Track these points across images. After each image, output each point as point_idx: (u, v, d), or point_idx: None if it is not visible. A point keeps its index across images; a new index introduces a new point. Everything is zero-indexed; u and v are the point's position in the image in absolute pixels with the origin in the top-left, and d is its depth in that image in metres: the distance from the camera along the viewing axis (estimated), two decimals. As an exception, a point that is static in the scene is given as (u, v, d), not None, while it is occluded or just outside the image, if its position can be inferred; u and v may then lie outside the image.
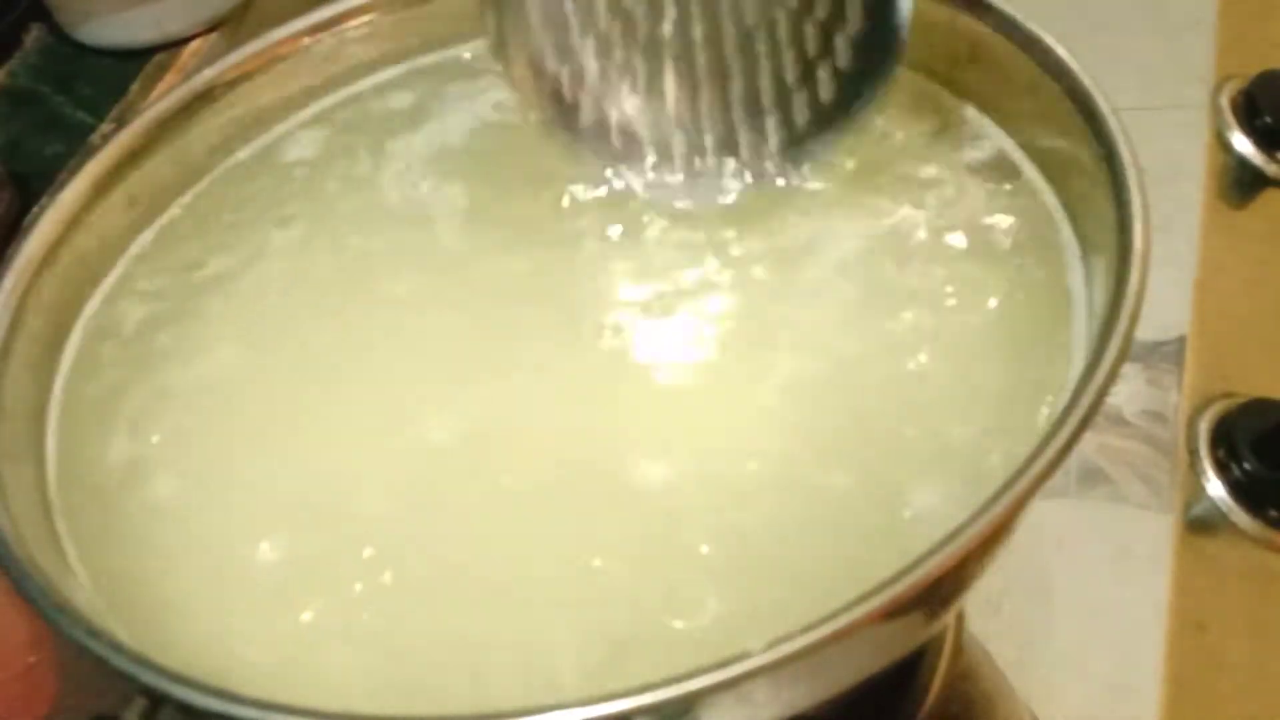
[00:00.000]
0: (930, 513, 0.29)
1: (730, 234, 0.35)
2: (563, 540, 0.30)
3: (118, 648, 0.26)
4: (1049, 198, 0.35)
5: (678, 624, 0.28)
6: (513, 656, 0.28)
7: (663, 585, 0.29)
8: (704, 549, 0.29)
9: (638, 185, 0.36)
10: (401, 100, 0.42)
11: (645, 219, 0.36)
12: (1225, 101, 0.55)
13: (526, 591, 0.29)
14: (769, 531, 0.29)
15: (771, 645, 0.23)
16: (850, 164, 0.37)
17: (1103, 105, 0.32)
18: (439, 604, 0.29)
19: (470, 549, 0.30)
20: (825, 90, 0.34)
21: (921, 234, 0.35)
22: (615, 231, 0.36)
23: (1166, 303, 0.48)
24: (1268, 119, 0.54)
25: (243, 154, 0.40)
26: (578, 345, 0.34)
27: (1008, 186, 0.36)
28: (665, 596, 0.29)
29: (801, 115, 0.34)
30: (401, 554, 0.30)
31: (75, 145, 0.59)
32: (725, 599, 0.28)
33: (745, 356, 0.33)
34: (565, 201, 0.37)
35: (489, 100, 0.41)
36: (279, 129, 0.41)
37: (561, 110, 0.35)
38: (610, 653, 0.28)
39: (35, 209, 0.36)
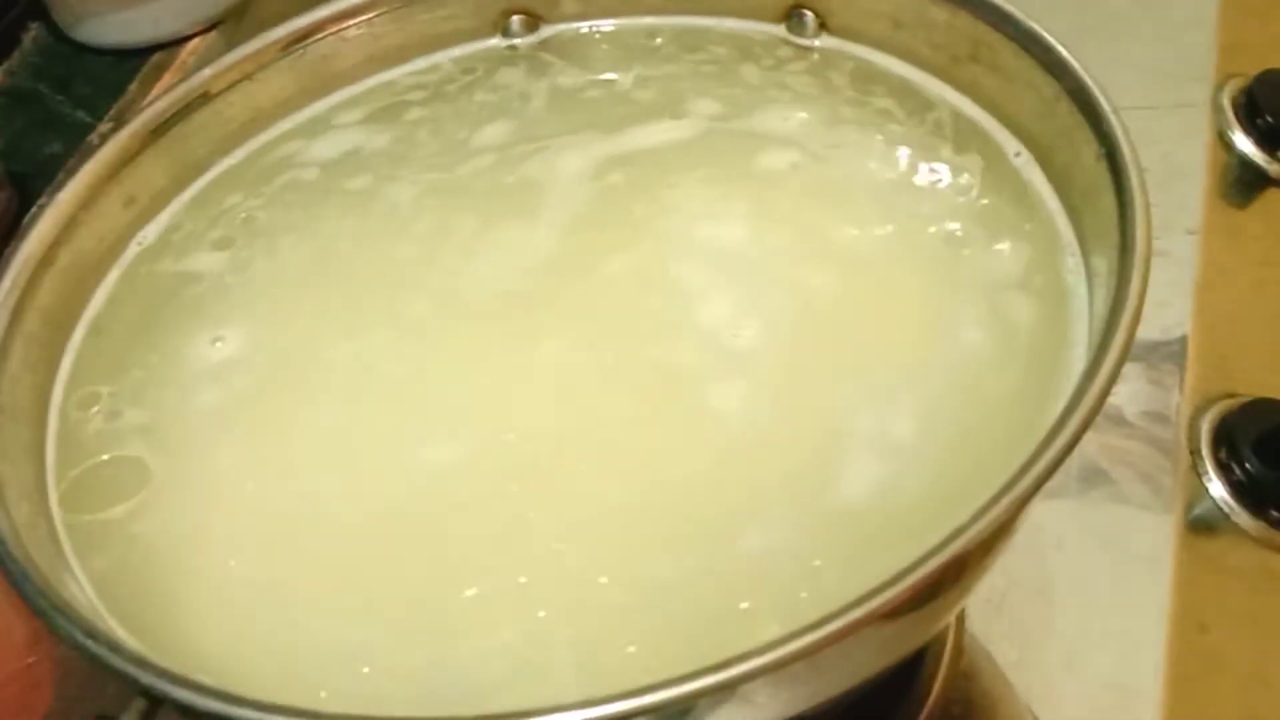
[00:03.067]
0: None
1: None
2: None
3: (116, 648, 0.26)
4: (1050, 197, 0.35)
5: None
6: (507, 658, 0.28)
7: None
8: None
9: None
10: (401, 101, 0.42)
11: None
12: (1227, 101, 0.55)
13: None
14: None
15: (772, 645, 0.23)
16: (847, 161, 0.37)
17: (1104, 104, 0.32)
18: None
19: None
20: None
21: (919, 233, 0.35)
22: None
23: (1168, 303, 0.47)
24: (1269, 118, 0.53)
25: (241, 154, 0.40)
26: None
27: (1007, 186, 0.36)
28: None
29: None
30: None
31: (74, 145, 0.58)
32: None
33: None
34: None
35: (490, 100, 0.41)
36: (278, 129, 0.41)
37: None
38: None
39: (34, 208, 0.36)
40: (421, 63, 0.42)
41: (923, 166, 0.37)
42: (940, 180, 0.36)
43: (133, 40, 0.63)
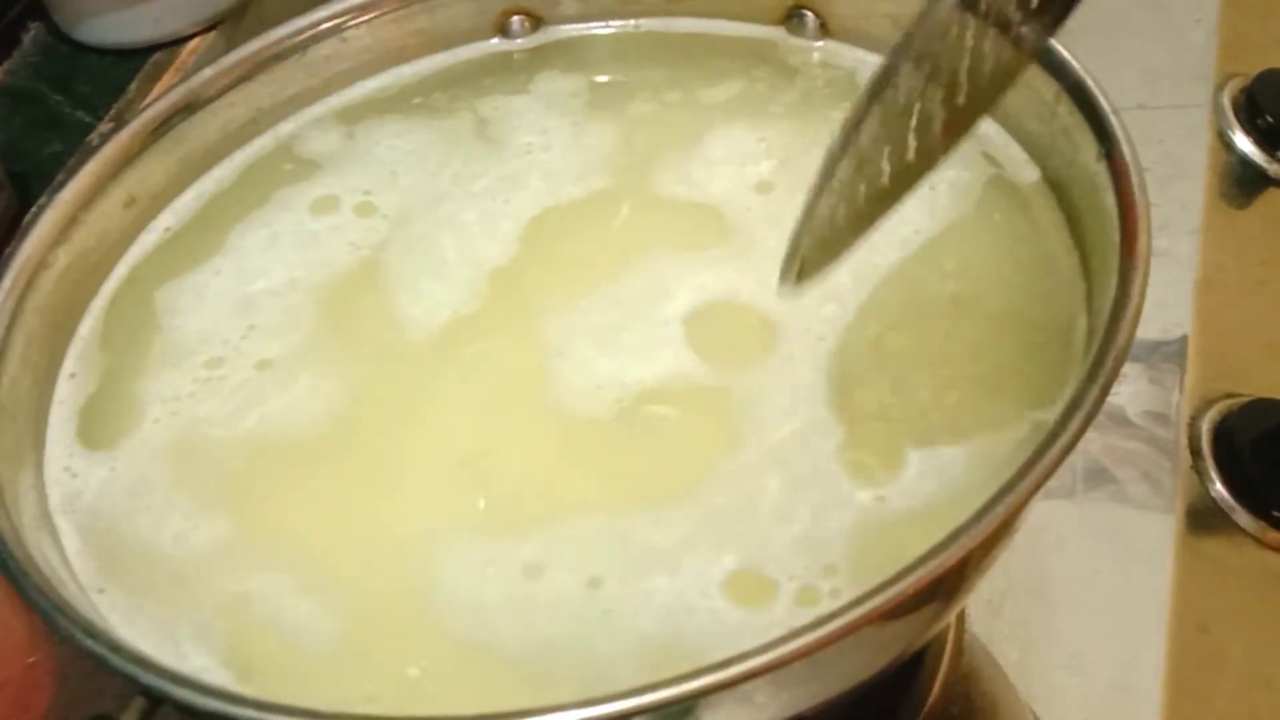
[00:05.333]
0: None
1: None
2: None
3: (116, 648, 0.26)
4: (1049, 198, 0.35)
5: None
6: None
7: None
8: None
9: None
10: (399, 100, 0.42)
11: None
12: (1227, 101, 0.55)
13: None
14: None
15: (772, 645, 0.23)
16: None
17: (1104, 104, 0.32)
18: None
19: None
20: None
21: (919, 232, 0.35)
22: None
23: (1168, 303, 0.48)
24: (1269, 118, 0.53)
25: (241, 155, 0.40)
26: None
27: (1007, 186, 0.36)
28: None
29: None
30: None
31: (74, 145, 0.58)
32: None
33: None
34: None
35: (488, 100, 0.41)
36: (278, 130, 0.41)
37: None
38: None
39: (34, 208, 0.36)
40: (422, 63, 0.42)
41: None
42: (936, 181, 0.36)
43: (133, 40, 0.63)
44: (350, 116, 0.41)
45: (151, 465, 0.33)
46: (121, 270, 0.38)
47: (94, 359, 0.36)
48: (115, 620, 0.30)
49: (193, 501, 0.32)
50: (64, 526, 0.32)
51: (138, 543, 0.32)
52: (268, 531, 0.32)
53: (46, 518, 0.32)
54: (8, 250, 0.34)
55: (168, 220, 0.39)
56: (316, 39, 0.40)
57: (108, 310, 0.37)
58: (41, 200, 0.36)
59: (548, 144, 0.40)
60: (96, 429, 0.34)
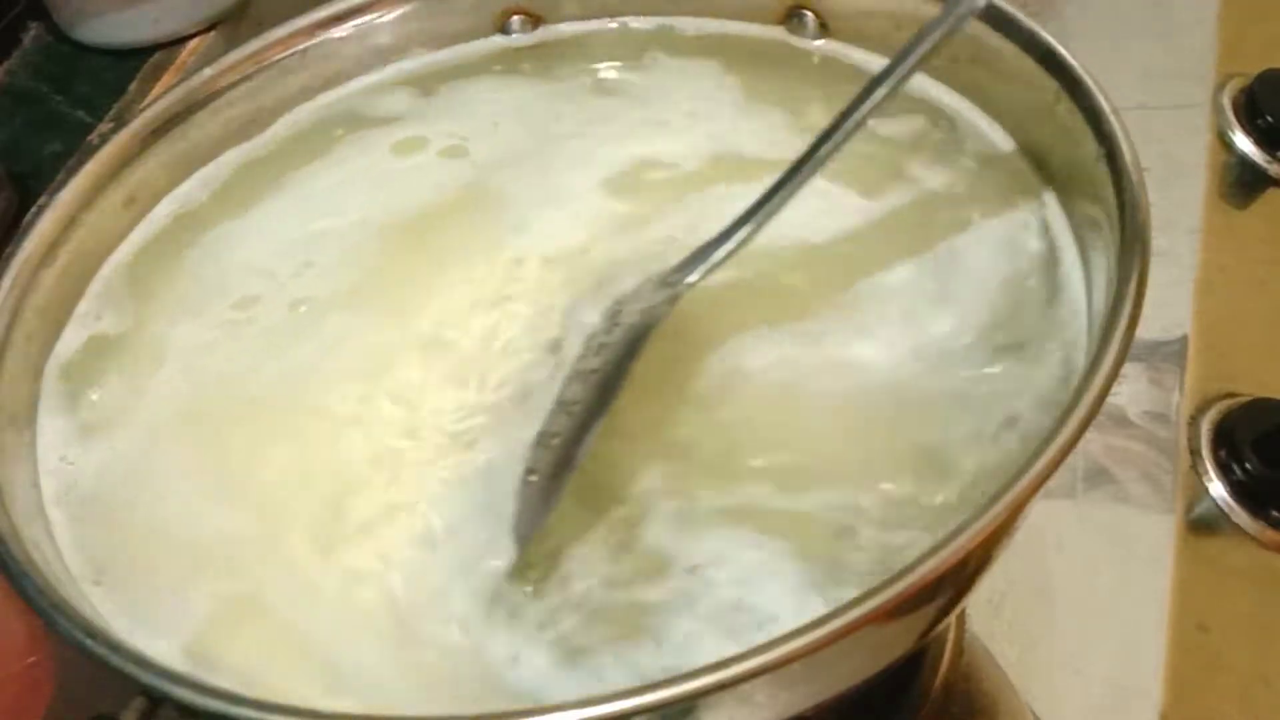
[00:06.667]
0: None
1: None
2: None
3: (116, 648, 0.26)
4: (1048, 197, 0.35)
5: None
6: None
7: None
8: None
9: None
10: (398, 99, 0.42)
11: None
12: (1227, 101, 0.55)
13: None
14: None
15: (772, 645, 0.23)
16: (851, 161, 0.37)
17: (1104, 104, 0.32)
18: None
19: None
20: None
21: (919, 231, 0.35)
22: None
23: (1168, 303, 0.48)
24: (1269, 118, 0.53)
25: (239, 153, 0.40)
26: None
27: (1006, 187, 0.36)
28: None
29: None
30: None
31: (74, 144, 0.59)
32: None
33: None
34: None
35: (484, 98, 0.41)
36: (277, 128, 0.41)
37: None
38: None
39: (34, 208, 0.36)
40: (421, 61, 0.42)
41: (918, 167, 0.37)
42: (936, 181, 0.36)
43: (133, 40, 0.63)
44: (349, 115, 0.41)
45: (150, 444, 0.33)
46: (116, 258, 0.38)
47: (89, 347, 0.36)
48: (110, 609, 0.30)
49: (192, 481, 0.32)
50: (57, 517, 0.32)
51: (135, 526, 0.32)
52: (262, 503, 0.32)
53: (41, 507, 0.32)
54: (8, 250, 0.34)
55: (167, 218, 0.39)
56: (315, 39, 0.41)
57: (101, 296, 0.37)
58: (41, 200, 0.36)
59: (544, 144, 0.39)
60: (92, 410, 0.34)
